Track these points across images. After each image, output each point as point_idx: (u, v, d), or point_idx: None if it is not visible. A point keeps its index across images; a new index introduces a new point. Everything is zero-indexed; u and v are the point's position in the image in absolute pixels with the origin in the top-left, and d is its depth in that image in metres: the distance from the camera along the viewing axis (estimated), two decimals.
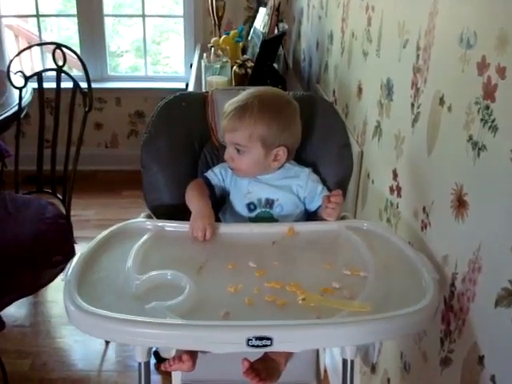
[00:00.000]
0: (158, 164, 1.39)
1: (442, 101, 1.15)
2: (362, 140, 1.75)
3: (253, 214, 1.32)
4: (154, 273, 1.07)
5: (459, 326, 1.09)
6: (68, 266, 1.09)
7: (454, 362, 1.11)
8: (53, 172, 2.19)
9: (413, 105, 1.31)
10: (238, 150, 1.29)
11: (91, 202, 3.39)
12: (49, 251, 1.99)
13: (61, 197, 2.22)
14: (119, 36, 4.31)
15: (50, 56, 3.57)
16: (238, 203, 1.33)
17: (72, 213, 3.25)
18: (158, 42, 4.42)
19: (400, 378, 1.40)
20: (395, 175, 1.44)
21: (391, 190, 1.47)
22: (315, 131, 1.39)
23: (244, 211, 1.32)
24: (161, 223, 1.26)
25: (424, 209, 1.24)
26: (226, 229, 1.25)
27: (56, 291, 2.45)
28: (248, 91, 1.31)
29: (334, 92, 2.18)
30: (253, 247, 1.19)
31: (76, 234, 3.05)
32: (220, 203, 1.38)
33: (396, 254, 1.16)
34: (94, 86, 3.52)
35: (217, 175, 1.36)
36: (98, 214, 3.32)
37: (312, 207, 1.35)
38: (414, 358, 1.31)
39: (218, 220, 1.34)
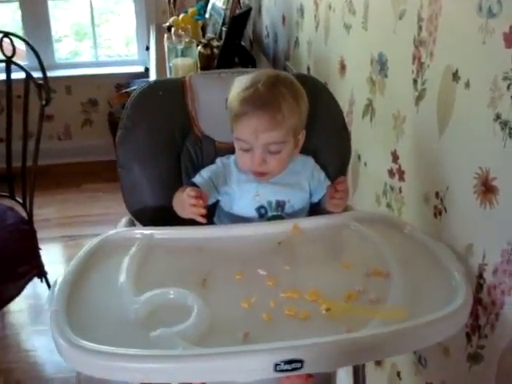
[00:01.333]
0: (138, 162, 1.25)
1: (455, 76, 1.04)
2: (349, 119, 1.64)
3: (264, 219, 1.19)
4: (153, 292, 0.93)
5: (491, 320, 1.00)
6: (50, 291, 0.95)
7: (486, 358, 1.03)
8: (9, 173, 1.99)
9: (415, 81, 1.20)
10: (270, 151, 1.12)
11: (49, 200, 3.16)
12: (13, 262, 1.82)
13: (21, 200, 2.03)
14: (57, 20, 4.06)
15: None
16: (245, 207, 1.18)
17: None
18: (98, 24, 4.19)
19: (415, 371, 1.32)
20: (395, 157, 1.34)
21: (390, 173, 1.37)
22: (312, 114, 1.26)
23: (253, 215, 1.19)
24: (148, 231, 1.12)
25: (437, 194, 1.15)
26: (226, 231, 1.12)
27: (22, 299, 2.25)
28: (254, 80, 1.11)
29: (308, 69, 2.06)
30: (258, 251, 1.07)
31: (38, 235, 2.87)
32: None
33: (415, 246, 1.07)
34: (41, 75, 3.34)
35: (207, 182, 1.18)
36: (58, 212, 3.11)
37: (315, 199, 1.24)
38: (431, 352, 1.23)
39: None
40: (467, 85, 1.01)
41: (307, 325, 0.88)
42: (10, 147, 1.97)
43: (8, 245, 1.80)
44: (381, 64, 1.38)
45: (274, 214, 1.19)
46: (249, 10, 2.07)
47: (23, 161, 1.97)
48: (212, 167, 1.22)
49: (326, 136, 1.28)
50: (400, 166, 1.32)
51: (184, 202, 1.08)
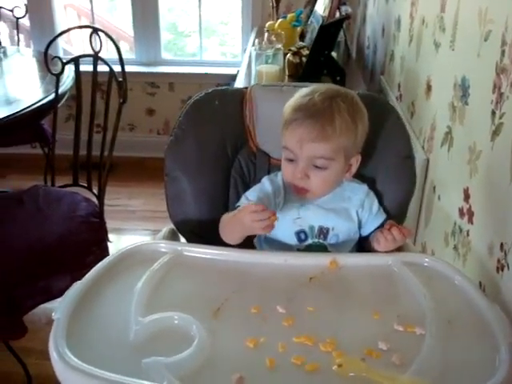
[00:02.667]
0: (184, 172, 1.20)
1: None
2: (429, 146, 1.49)
3: (303, 245, 1.10)
4: (158, 315, 0.88)
5: None
6: (63, 297, 0.92)
7: None
8: (88, 166, 2.04)
9: (494, 113, 1.05)
10: (316, 166, 1.04)
11: (139, 191, 3.24)
12: (79, 252, 1.85)
13: (96, 192, 2.07)
14: (188, 15, 4.13)
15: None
16: (285, 230, 1.10)
17: (118, 202, 3.17)
18: (227, 22, 4.21)
19: None
20: (467, 196, 1.19)
21: (461, 212, 1.22)
22: (374, 138, 1.15)
23: (292, 241, 1.10)
24: (179, 246, 1.07)
25: (502, 246, 0.99)
26: (255, 257, 1.04)
27: None
28: (312, 90, 1.05)
29: (399, 86, 1.91)
30: (284, 284, 0.98)
31: (120, 225, 2.96)
32: None
33: (464, 303, 0.93)
34: (146, 70, 3.43)
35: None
36: (145, 205, 3.17)
37: (364, 231, 1.13)
38: None
39: (252, 247, 1.14)
40: None
41: (311, 379, 0.78)
42: (91, 139, 2.01)
43: (75, 236, 1.83)
44: (463, 89, 1.22)
45: (315, 241, 1.10)
46: (341, 20, 1.96)
47: (101, 154, 2.00)
48: (260, 187, 1.13)
49: (385, 164, 1.16)
50: (470, 207, 1.16)
51: (244, 218, 0.98)
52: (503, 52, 1.01)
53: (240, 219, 1.01)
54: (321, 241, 1.10)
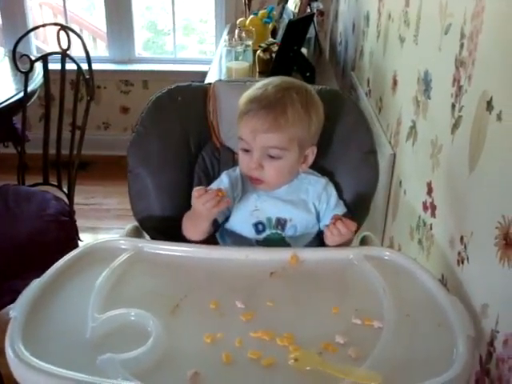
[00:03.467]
0: (147, 169, 1.19)
1: (489, 105, 0.89)
2: (395, 141, 1.50)
3: (261, 237, 1.10)
4: (114, 312, 0.87)
5: None
6: (20, 295, 0.91)
7: None
8: (58, 164, 2.02)
9: (454, 106, 1.05)
10: (270, 156, 1.05)
11: (113, 190, 3.20)
12: (48, 251, 1.82)
13: (66, 191, 2.05)
14: (167, 13, 4.11)
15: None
16: (243, 222, 1.10)
17: (92, 201, 3.14)
18: (206, 20, 4.19)
19: None
20: (430, 189, 1.19)
21: (424, 206, 1.22)
22: (335, 133, 1.17)
23: (250, 232, 1.10)
24: (140, 243, 1.06)
25: (462, 239, 1.00)
26: (216, 253, 1.03)
27: None
28: (267, 82, 1.07)
29: (368, 82, 1.92)
30: (245, 279, 0.98)
31: (95, 224, 2.93)
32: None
33: (424, 297, 0.93)
34: (120, 68, 3.40)
35: None
36: (119, 204, 3.14)
37: (322, 225, 1.13)
38: None
39: (215, 242, 1.14)
40: (499, 117, 0.86)
41: (267, 373, 0.78)
42: (60, 137, 1.98)
43: (44, 235, 1.80)
44: (426, 83, 1.23)
45: (273, 232, 1.10)
46: (311, 16, 1.96)
47: (70, 152, 1.98)
48: (217, 183, 1.13)
49: (347, 159, 1.17)
50: (433, 200, 1.17)
51: (196, 206, 1.02)
52: (462, 45, 1.01)
53: (195, 209, 1.03)
54: (279, 232, 1.10)
